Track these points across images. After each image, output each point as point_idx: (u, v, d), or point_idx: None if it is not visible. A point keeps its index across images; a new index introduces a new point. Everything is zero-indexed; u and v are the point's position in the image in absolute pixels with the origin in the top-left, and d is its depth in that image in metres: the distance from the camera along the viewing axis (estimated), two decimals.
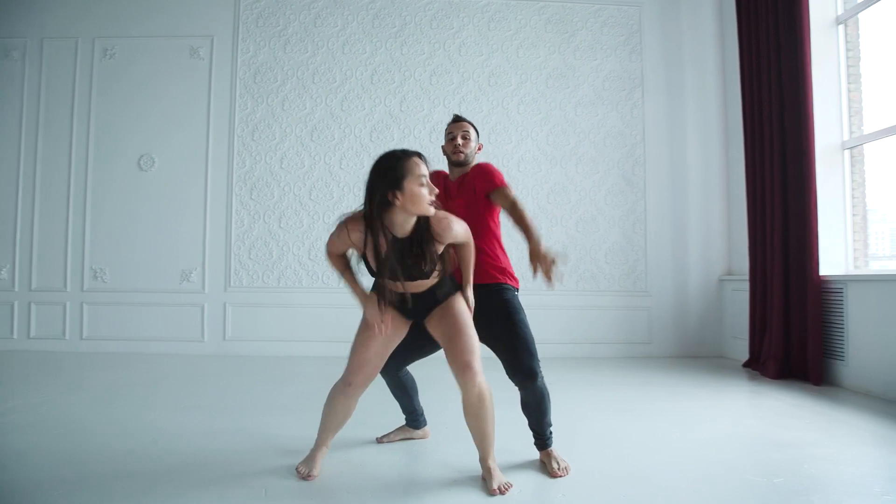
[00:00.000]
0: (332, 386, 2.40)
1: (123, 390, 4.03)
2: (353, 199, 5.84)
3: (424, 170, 2.15)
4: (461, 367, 2.22)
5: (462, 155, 2.75)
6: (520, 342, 2.40)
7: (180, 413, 3.40)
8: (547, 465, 2.46)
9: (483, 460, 2.32)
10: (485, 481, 2.28)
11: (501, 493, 2.20)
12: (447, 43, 6.01)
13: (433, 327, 2.38)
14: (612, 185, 5.91)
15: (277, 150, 5.88)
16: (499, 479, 2.26)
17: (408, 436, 2.93)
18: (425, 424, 2.95)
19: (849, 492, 2.23)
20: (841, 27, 5.01)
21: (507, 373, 2.42)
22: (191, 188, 5.85)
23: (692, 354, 5.75)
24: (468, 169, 2.77)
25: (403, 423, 2.96)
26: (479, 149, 2.85)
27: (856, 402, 3.77)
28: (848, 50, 5.04)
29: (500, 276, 2.62)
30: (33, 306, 5.78)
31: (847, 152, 4.91)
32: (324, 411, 2.42)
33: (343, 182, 5.86)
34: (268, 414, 3.39)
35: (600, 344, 5.75)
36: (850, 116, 4.97)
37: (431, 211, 2.15)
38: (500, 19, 6.04)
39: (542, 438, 2.51)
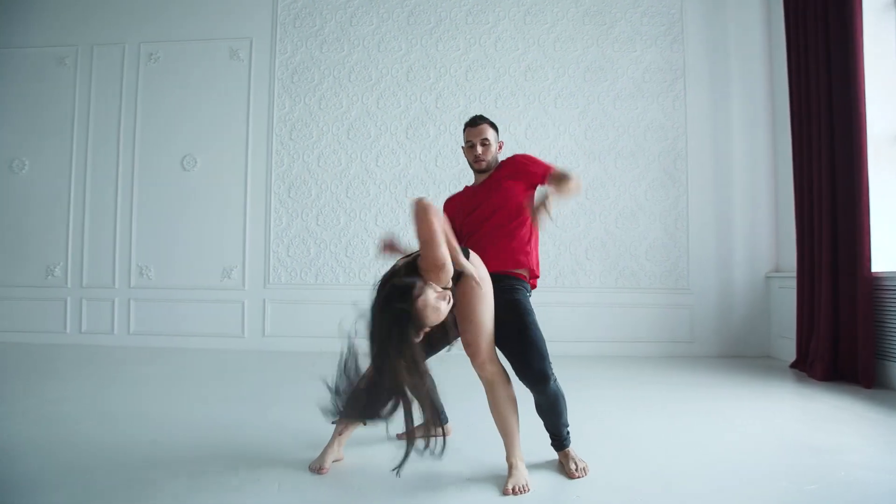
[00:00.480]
0: None
1: (161, 382, 4.13)
2: (390, 197, 5.86)
3: None
4: (471, 352, 2.26)
5: (484, 163, 2.74)
6: (530, 346, 2.32)
7: (210, 405, 3.46)
8: (564, 466, 2.40)
9: (507, 457, 2.29)
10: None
11: (514, 493, 2.15)
12: (483, 38, 5.95)
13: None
14: (653, 179, 5.75)
15: (315, 148, 5.94)
16: (516, 479, 2.21)
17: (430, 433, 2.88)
18: (447, 422, 2.89)
19: (885, 501, 2.10)
20: None
21: (518, 376, 2.35)
22: (231, 187, 5.97)
23: (737, 354, 5.53)
24: (492, 170, 2.76)
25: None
26: (501, 147, 2.81)
27: None
28: None
29: (518, 268, 2.56)
30: (84, 302, 6.00)
31: None
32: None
33: (379, 179, 5.87)
34: (299, 408, 3.41)
35: (641, 343, 5.59)
36: None
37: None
38: (537, 13, 5.95)
39: (559, 439, 2.44)
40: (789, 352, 5.10)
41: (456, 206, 2.80)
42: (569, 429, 2.45)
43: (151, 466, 2.42)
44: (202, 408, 3.44)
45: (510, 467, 2.26)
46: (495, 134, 2.79)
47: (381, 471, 2.40)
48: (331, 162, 5.92)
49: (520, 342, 2.33)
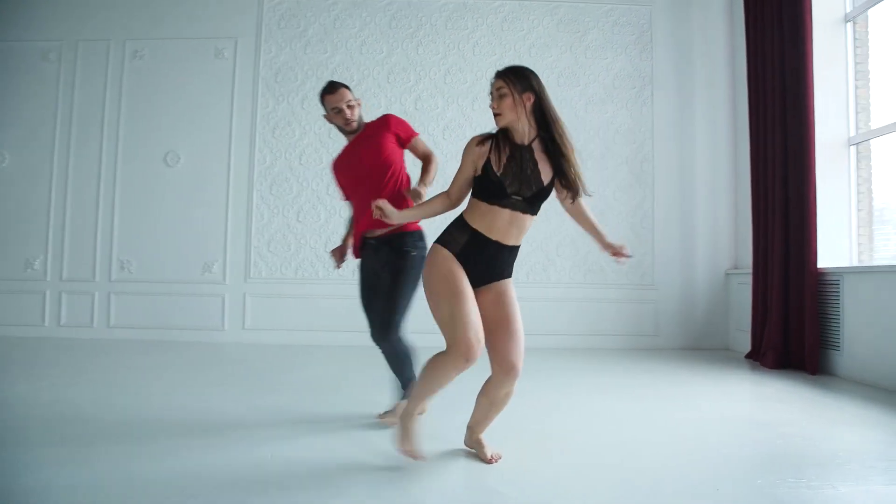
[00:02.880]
0: (434, 356, 2.25)
1: (140, 373, 4.29)
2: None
3: None
4: (507, 366, 2.23)
5: (354, 123, 2.90)
6: (392, 301, 2.77)
7: (188, 392, 3.63)
8: (390, 412, 2.83)
9: (476, 434, 2.42)
10: (476, 451, 2.41)
11: (496, 461, 2.36)
12: (461, 43, 6.19)
13: (483, 302, 2.28)
14: (621, 181, 6.04)
15: (297, 147, 6.12)
16: (491, 448, 2.40)
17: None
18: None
19: (814, 462, 2.38)
20: (849, 24, 5.09)
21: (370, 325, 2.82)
22: (214, 183, 6.11)
23: (698, 347, 5.86)
24: (362, 129, 2.95)
25: (400, 399, 2.91)
26: (360, 103, 2.95)
27: (847, 390, 3.87)
28: (856, 47, 5.11)
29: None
30: (64, 296, 6.08)
31: (853, 148, 4.98)
32: (427, 379, 2.26)
33: None
34: (277, 394, 3.60)
35: (608, 336, 5.88)
36: (857, 112, 5.04)
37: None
38: (514, 20, 6.21)
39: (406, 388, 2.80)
40: (746, 343, 5.42)
41: (339, 167, 3.00)
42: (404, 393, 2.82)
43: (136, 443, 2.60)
44: (177, 394, 3.61)
45: (481, 441, 2.40)
46: (352, 94, 2.92)
47: (366, 451, 2.60)
48: (312, 160, 6.10)
49: (389, 293, 2.73)
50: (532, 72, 2.28)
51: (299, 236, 6.06)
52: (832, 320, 4.45)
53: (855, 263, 4.80)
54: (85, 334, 5.97)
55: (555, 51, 6.19)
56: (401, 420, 2.32)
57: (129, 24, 6.26)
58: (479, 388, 2.38)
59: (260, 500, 1.94)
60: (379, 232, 2.84)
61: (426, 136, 6.05)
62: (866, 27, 5.09)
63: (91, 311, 6.03)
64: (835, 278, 4.46)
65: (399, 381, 2.89)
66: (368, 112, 6.04)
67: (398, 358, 2.85)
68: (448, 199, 2.35)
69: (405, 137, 2.93)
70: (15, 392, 3.44)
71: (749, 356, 5.17)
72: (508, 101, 2.22)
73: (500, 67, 2.31)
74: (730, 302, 5.90)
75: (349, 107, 2.85)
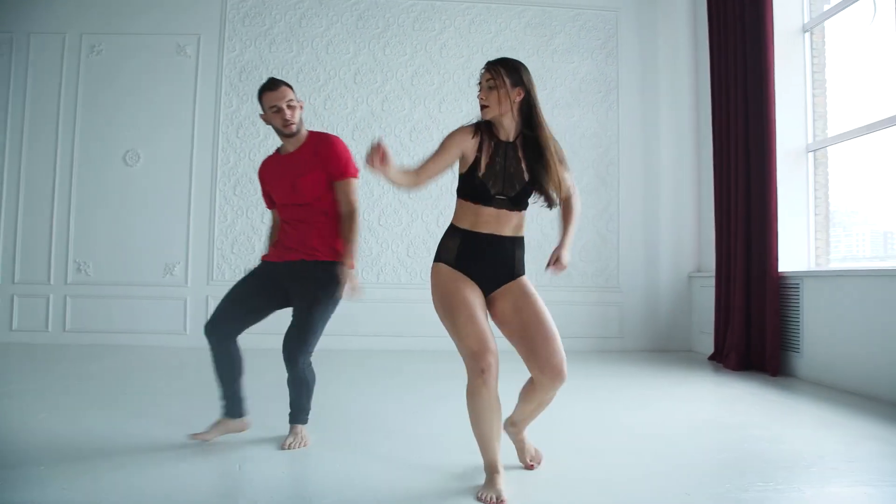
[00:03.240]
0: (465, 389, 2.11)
1: (94, 380, 4.16)
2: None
3: None
4: (553, 371, 2.12)
5: (294, 126, 2.65)
6: (310, 325, 2.60)
7: (141, 401, 3.53)
8: (288, 438, 2.60)
9: (520, 431, 2.36)
10: (517, 451, 2.39)
11: (537, 465, 2.36)
12: (429, 45, 6.17)
13: (500, 309, 2.21)
14: (587, 184, 6.09)
15: (261, 147, 6.00)
16: (533, 452, 2.39)
17: (226, 429, 2.67)
18: (246, 413, 2.72)
19: (779, 466, 2.42)
20: (807, 35, 5.22)
21: (285, 341, 2.60)
22: (175, 184, 5.97)
23: (662, 349, 5.94)
24: (304, 138, 2.72)
25: (222, 415, 2.69)
26: (301, 106, 2.74)
27: (807, 391, 3.97)
28: (813, 57, 5.25)
29: (338, 255, 2.68)
30: (16, 299, 5.87)
31: (811, 155, 5.12)
32: (474, 424, 2.10)
33: None
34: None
35: (574, 338, 5.88)
36: (814, 120, 5.18)
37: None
38: (481, 22, 6.21)
39: (298, 414, 2.68)
40: (709, 345, 5.52)
41: (273, 174, 2.75)
42: (309, 413, 2.70)
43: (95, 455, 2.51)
44: (128, 403, 3.52)
45: (524, 442, 2.37)
46: (294, 94, 2.69)
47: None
48: None
49: (299, 323, 2.59)
50: (524, 66, 2.22)
51: (263, 238, 5.92)
52: (792, 323, 4.56)
53: (813, 267, 4.93)
54: (39, 339, 5.77)
55: (522, 54, 6.19)
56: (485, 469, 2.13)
57: (86, 17, 6.06)
58: (520, 391, 2.30)
59: None
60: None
61: (393, 138, 6.04)
62: (823, 38, 5.23)
63: (46, 316, 5.83)
64: (795, 282, 4.56)
65: (293, 404, 2.69)
66: (334, 113, 6.03)
67: (303, 382, 2.65)
68: (416, 179, 2.17)
69: (338, 175, 2.68)
70: None
71: (712, 358, 5.27)
72: (497, 93, 2.15)
73: (492, 58, 2.26)
74: (693, 304, 6.00)
75: (290, 107, 2.62)
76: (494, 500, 1.99)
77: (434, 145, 2.24)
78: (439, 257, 2.22)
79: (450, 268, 2.18)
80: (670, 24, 6.27)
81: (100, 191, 5.95)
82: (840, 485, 2.24)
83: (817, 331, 4.31)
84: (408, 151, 6.02)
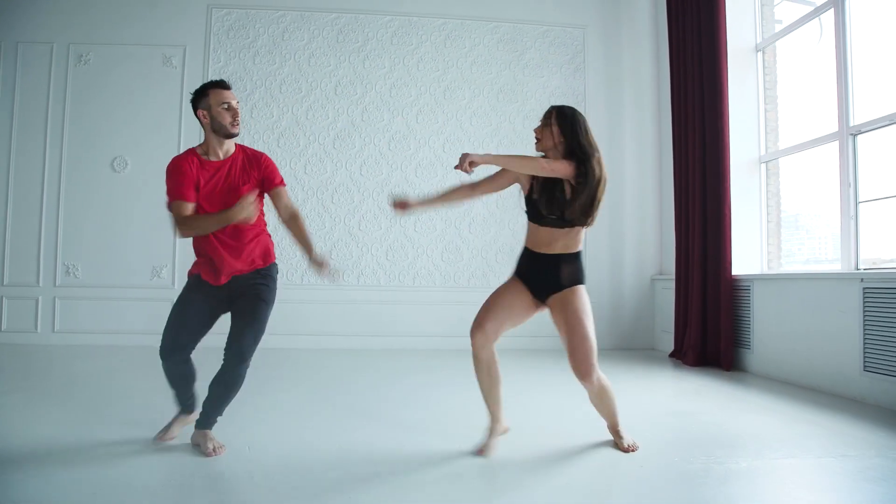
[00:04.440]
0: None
1: (85, 378, 4.38)
2: (317, 203, 6.26)
3: None
4: (578, 372, 2.61)
5: (237, 128, 2.69)
6: (256, 325, 2.64)
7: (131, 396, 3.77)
8: (202, 445, 2.61)
9: (612, 427, 2.79)
10: (616, 443, 2.77)
11: (633, 450, 2.69)
12: (406, 58, 6.47)
13: (553, 317, 2.72)
14: None
15: None
16: (628, 438, 2.76)
17: (184, 423, 2.88)
18: (198, 407, 2.87)
19: (721, 443, 2.79)
20: (759, 54, 5.64)
21: (228, 342, 2.61)
22: (162, 189, 6.09)
23: (626, 347, 6.32)
24: (232, 148, 2.73)
25: (177, 414, 2.89)
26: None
27: (755, 384, 4.37)
28: (765, 74, 5.68)
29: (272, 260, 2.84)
30: (5, 300, 6.02)
31: (763, 165, 5.54)
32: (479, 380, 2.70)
33: (307, 186, 6.27)
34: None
35: (542, 337, 6.23)
36: (766, 133, 5.61)
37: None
38: (456, 37, 6.54)
39: (209, 418, 2.69)
40: (669, 344, 5.91)
41: (207, 180, 2.67)
42: (220, 418, 2.72)
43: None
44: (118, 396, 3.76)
45: (620, 432, 2.76)
46: None
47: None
48: None
49: (250, 320, 2.63)
50: (576, 114, 2.70)
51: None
52: (744, 322, 4.96)
53: (765, 270, 5.35)
54: (28, 340, 5.93)
55: (494, 68, 6.55)
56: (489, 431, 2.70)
57: (74, 27, 6.23)
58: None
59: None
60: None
61: (373, 147, 6.33)
62: (774, 56, 5.67)
63: (35, 317, 5.99)
64: (746, 284, 4.97)
65: (215, 406, 2.69)
66: (316, 123, 6.30)
67: (237, 382, 2.66)
68: (472, 192, 2.76)
69: (278, 182, 2.81)
70: None
71: (672, 355, 5.65)
72: (547, 131, 2.66)
73: (556, 104, 2.77)
74: (655, 305, 6.40)
75: (236, 107, 2.69)
76: (484, 449, 2.60)
77: (412, 154, 2.63)
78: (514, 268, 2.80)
79: (514, 275, 2.76)
80: (634, 42, 6.68)
81: (88, 196, 6.13)
82: (770, 458, 2.60)
83: (766, 329, 4.72)
84: (387, 160, 6.31)
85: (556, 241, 2.66)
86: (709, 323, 5.21)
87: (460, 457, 2.58)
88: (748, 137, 5.53)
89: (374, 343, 6.07)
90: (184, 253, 6.12)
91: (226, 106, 2.63)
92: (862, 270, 4.15)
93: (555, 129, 2.63)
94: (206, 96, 2.65)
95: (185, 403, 2.85)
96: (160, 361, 2.69)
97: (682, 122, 5.79)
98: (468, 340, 2.69)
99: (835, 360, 3.98)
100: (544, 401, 3.76)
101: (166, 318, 2.73)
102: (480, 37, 6.55)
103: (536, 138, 2.70)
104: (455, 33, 6.54)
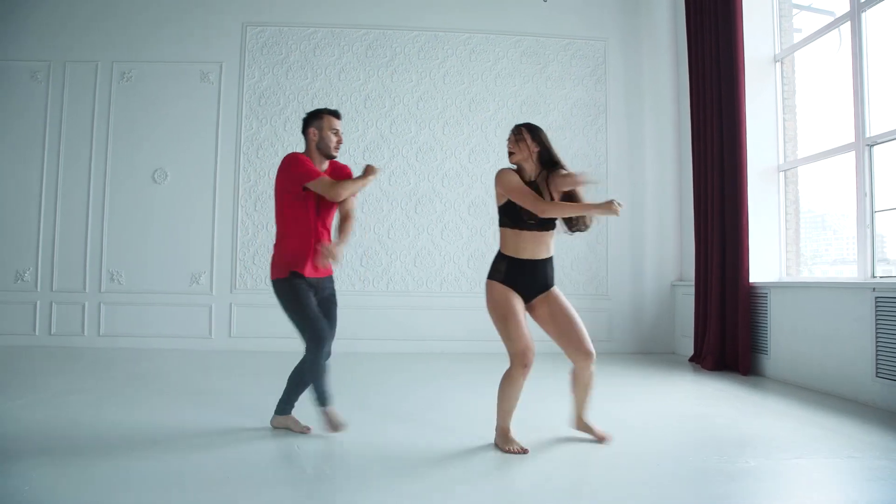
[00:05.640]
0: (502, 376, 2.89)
1: (133, 380, 4.67)
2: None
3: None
4: (585, 354, 2.90)
5: (338, 151, 3.16)
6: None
7: (179, 399, 4.04)
8: (294, 426, 3.14)
9: (583, 418, 3.05)
10: (589, 433, 3.02)
11: (608, 439, 2.98)
12: (433, 72, 6.71)
13: (540, 314, 2.94)
14: None
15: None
16: (598, 429, 3.03)
17: (332, 414, 3.10)
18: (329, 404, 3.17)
19: (734, 444, 2.98)
20: (778, 64, 5.78)
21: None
22: (200, 200, 6.48)
23: (647, 351, 6.49)
24: (327, 165, 3.18)
25: (323, 406, 3.13)
26: None
27: (772, 388, 4.53)
28: (784, 84, 5.81)
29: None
30: (54, 306, 6.37)
31: (782, 174, 5.67)
32: (504, 399, 2.86)
33: None
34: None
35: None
36: (784, 142, 5.74)
37: None
38: (481, 51, 6.76)
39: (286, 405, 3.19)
40: (689, 348, 6.06)
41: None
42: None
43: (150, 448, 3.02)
44: (170, 400, 4.03)
45: (588, 424, 3.04)
46: None
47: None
48: None
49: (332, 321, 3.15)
50: (541, 129, 3.03)
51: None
52: (761, 328, 5.11)
53: (783, 277, 5.49)
54: (76, 343, 6.27)
55: (518, 80, 6.76)
56: (498, 431, 2.90)
57: (117, 46, 6.58)
58: (569, 385, 3.04)
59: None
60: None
61: (401, 158, 6.57)
62: (793, 67, 5.79)
63: (82, 321, 6.33)
64: (764, 291, 5.12)
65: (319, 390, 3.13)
66: (346, 136, 6.51)
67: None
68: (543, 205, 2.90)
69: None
70: (15, 404, 3.78)
71: (692, 360, 5.81)
72: (522, 144, 2.96)
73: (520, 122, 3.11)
74: (675, 311, 6.56)
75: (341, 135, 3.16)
76: (519, 448, 2.80)
77: (439, 165, 2.92)
78: (492, 276, 2.92)
79: (501, 284, 2.87)
80: (654, 53, 6.85)
81: (131, 206, 6.46)
82: (779, 458, 2.78)
83: (783, 335, 4.87)
84: (414, 171, 6.56)
85: (540, 246, 2.90)
86: (727, 328, 5.36)
87: (486, 454, 2.80)
88: (767, 146, 5.67)
89: (404, 347, 6.31)
90: (221, 261, 6.42)
91: (334, 132, 3.09)
92: (875, 279, 4.29)
93: (529, 141, 2.96)
94: (321, 119, 3.09)
95: (327, 395, 3.11)
96: (311, 357, 3.01)
97: (701, 132, 5.95)
98: (492, 344, 3.04)
99: (848, 366, 4.13)
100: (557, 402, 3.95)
101: (298, 320, 3.06)
102: (504, 50, 6.77)
103: (510, 152, 3.00)
104: (480, 47, 6.76)
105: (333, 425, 3.04)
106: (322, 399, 3.10)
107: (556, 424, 3.30)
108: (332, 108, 3.21)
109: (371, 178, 3.10)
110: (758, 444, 2.99)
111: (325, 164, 3.15)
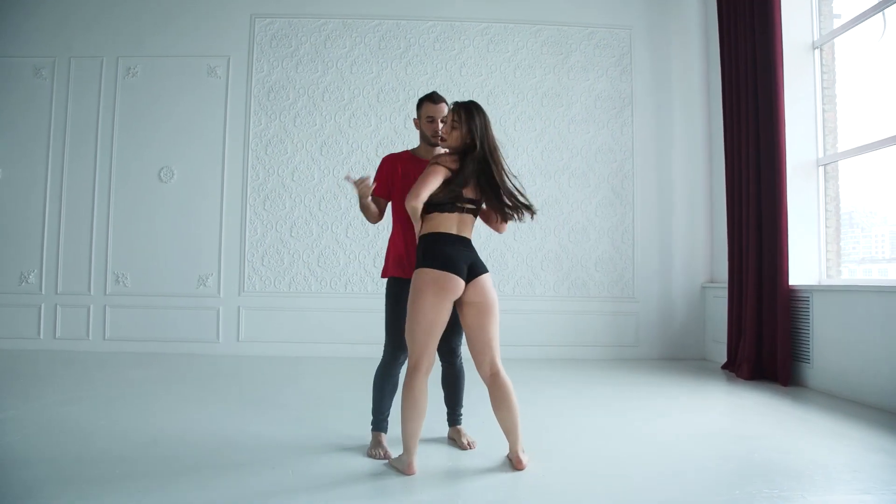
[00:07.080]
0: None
1: (138, 386, 4.43)
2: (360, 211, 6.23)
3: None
4: (497, 365, 2.66)
5: (440, 138, 2.87)
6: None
7: (187, 407, 3.78)
8: (457, 440, 3.00)
9: (517, 447, 2.68)
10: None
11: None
12: (449, 64, 6.41)
13: (466, 302, 2.63)
14: (603, 198, 6.30)
15: (289, 163, 6.28)
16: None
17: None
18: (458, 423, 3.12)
19: (786, 474, 2.62)
20: (817, 52, 5.40)
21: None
22: (208, 199, 6.25)
23: (676, 357, 6.14)
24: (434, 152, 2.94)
25: (382, 431, 2.96)
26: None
27: (816, 402, 4.16)
28: (823, 73, 5.43)
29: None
30: (59, 308, 6.17)
31: (821, 168, 5.29)
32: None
33: (351, 194, 6.24)
34: (276, 410, 3.77)
35: (590, 347, 6.13)
36: (824, 135, 5.36)
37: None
38: (499, 41, 6.44)
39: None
40: (721, 354, 5.71)
41: (409, 171, 2.91)
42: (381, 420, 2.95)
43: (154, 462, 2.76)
44: (178, 408, 3.77)
45: (520, 454, 2.66)
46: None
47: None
48: (304, 177, 6.27)
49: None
50: (480, 110, 2.75)
51: (292, 251, 6.21)
52: (803, 335, 4.74)
53: (823, 278, 5.11)
54: (80, 347, 6.07)
55: (539, 72, 6.43)
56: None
57: (122, 41, 6.36)
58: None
59: None
60: None
61: None
62: (833, 54, 5.41)
63: (87, 324, 6.13)
64: (805, 295, 4.75)
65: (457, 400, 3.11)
66: (359, 131, 6.28)
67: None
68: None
69: None
70: (20, 411, 3.56)
71: (725, 367, 5.45)
72: (455, 132, 2.69)
73: (457, 100, 2.79)
74: (706, 314, 6.19)
75: (443, 121, 2.90)
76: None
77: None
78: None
79: (446, 272, 2.60)
80: (683, 41, 6.47)
81: (136, 206, 6.24)
82: (842, 493, 2.44)
83: (827, 343, 4.50)
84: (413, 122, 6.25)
85: (466, 227, 2.72)
86: (764, 334, 5.00)
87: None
88: (805, 139, 5.29)
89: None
90: (229, 262, 6.18)
91: (429, 119, 2.93)
92: None
93: (464, 127, 2.71)
94: (420, 107, 2.99)
95: (385, 419, 2.96)
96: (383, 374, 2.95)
97: (735, 124, 5.58)
98: None
99: None
100: (587, 418, 3.63)
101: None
102: (524, 40, 6.44)
103: (442, 137, 2.80)
104: (498, 37, 6.44)
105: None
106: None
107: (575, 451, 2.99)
108: (432, 91, 3.07)
109: (356, 192, 2.86)
110: (813, 472, 2.64)
111: (437, 150, 2.92)
